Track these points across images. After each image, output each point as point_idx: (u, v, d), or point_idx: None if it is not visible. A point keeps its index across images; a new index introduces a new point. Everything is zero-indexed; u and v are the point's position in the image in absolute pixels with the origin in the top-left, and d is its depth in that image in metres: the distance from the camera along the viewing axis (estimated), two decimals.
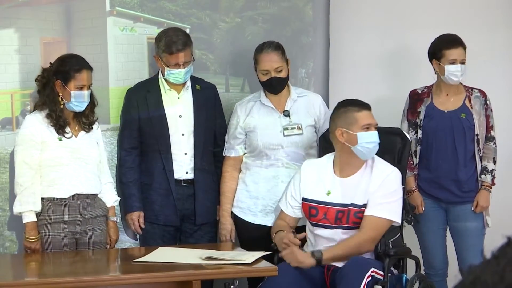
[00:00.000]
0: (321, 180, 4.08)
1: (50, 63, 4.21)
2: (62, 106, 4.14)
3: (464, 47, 4.59)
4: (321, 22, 5.01)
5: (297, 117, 4.51)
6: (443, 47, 4.59)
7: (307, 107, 4.55)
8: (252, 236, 4.47)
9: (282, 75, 4.44)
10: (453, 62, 4.56)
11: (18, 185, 4.12)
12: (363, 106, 4.04)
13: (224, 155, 4.59)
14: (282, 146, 4.45)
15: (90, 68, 4.17)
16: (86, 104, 4.16)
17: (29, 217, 4.11)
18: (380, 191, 3.95)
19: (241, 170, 4.58)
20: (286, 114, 4.51)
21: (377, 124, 4.03)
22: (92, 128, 4.24)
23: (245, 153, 4.57)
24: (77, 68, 4.12)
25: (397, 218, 3.99)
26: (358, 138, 3.96)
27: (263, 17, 4.94)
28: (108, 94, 4.65)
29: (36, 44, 4.53)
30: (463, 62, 4.56)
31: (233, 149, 4.56)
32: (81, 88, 4.12)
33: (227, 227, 4.53)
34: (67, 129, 4.16)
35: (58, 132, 4.13)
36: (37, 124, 4.13)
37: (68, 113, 4.18)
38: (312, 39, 5.00)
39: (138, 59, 4.73)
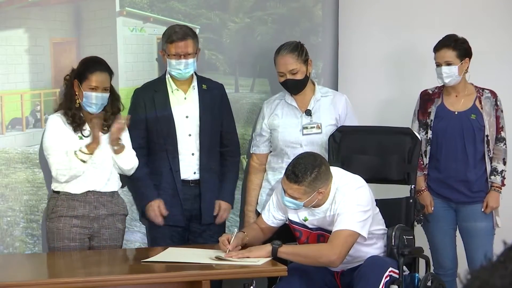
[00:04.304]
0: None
1: None
2: (78, 105, 4.21)
3: (455, 48, 4.54)
4: (330, 22, 5.01)
5: (318, 116, 4.52)
6: (434, 50, 4.60)
7: (330, 107, 4.56)
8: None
9: (298, 77, 4.44)
10: (439, 65, 4.56)
11: (55, 171, 4.18)
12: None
13: (250, 152, 4.65)
14: (301, 145, 4.46)
15: (106, 71, 4.21)
16: (99, 106, 4.19)
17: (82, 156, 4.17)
18: (340, 210, 3.78)
19: (265, 169, 4.62)
20: (308, 113, 4.52)
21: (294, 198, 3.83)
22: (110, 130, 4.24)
23: (270, 151, 4.61)
24: (91, 69, 4.17)
25: (355, 228, 3.73)
26: None
27: (272, 17, 4.94)
28: None
29: (46, 44, 4.53)
30: (449, 64, 4.55)
31: (258, 146, 4.62)
32: (93, 89, 4.15)
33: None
34: (85, 127, 4.22)
35: (75, 130, 4.20)
36: (60, 126, 4.21)
37: (86, 114, 4.24)
38: (321, 40, 5.00)
39: (148, 59, 4.74)
